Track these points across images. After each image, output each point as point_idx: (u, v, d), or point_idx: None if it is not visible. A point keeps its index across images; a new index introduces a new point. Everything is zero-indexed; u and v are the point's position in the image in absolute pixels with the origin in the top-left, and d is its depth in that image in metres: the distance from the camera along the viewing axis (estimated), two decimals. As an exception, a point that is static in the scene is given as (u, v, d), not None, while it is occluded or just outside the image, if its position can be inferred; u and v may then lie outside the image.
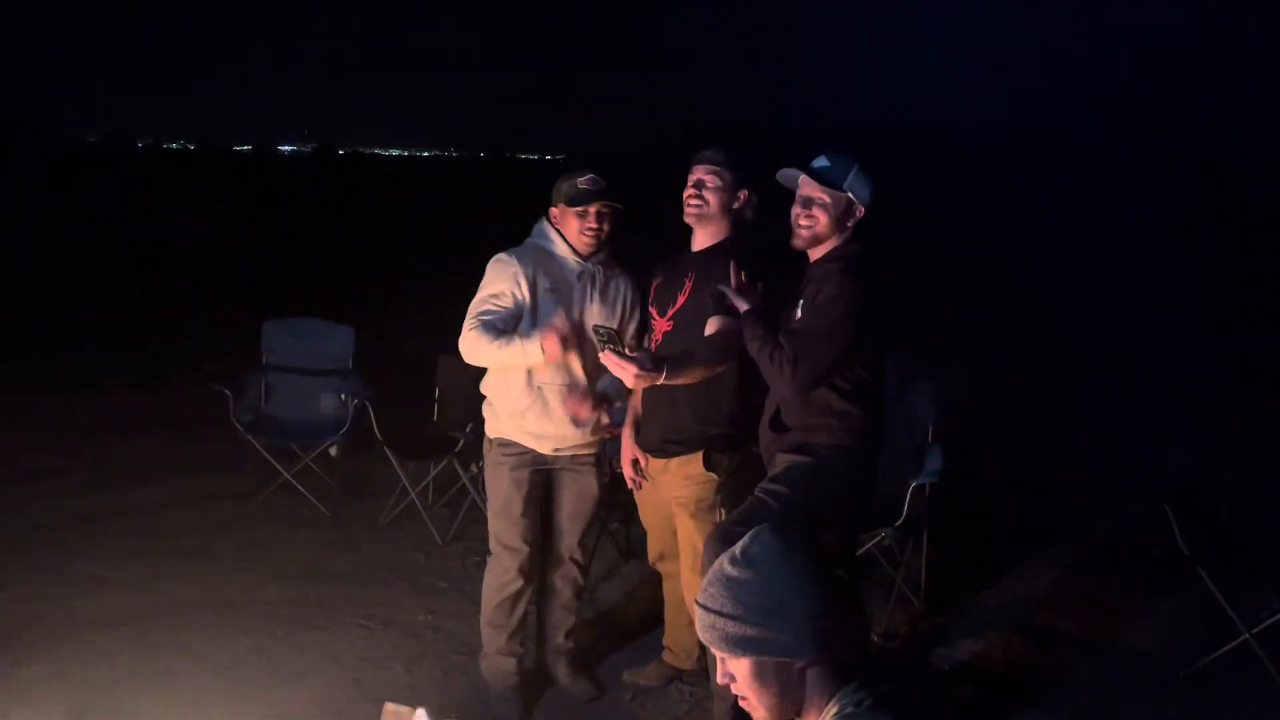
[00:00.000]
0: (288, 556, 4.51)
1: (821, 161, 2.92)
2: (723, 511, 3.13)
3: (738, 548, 1.65)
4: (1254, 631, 3.59)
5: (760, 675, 1.62)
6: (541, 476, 3.32)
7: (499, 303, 3.14)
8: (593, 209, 3.14)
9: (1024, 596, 4.36)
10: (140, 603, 3.95)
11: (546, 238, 3.22)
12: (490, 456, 3.34)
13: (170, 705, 3.23)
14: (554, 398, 3.18)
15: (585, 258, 3.19)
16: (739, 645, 1.61)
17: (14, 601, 3.89)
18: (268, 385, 5.32)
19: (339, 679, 3.50)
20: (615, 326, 3.16)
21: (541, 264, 3.18)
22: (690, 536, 3.19)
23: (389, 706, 3.15)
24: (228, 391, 4.97)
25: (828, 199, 2.87)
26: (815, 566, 1.65)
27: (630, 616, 4.02)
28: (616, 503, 4.39)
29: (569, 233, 3.18)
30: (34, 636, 3.63)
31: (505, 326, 3.11)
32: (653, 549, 3.49)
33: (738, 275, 2.91)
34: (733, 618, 1.61)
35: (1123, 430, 6.85)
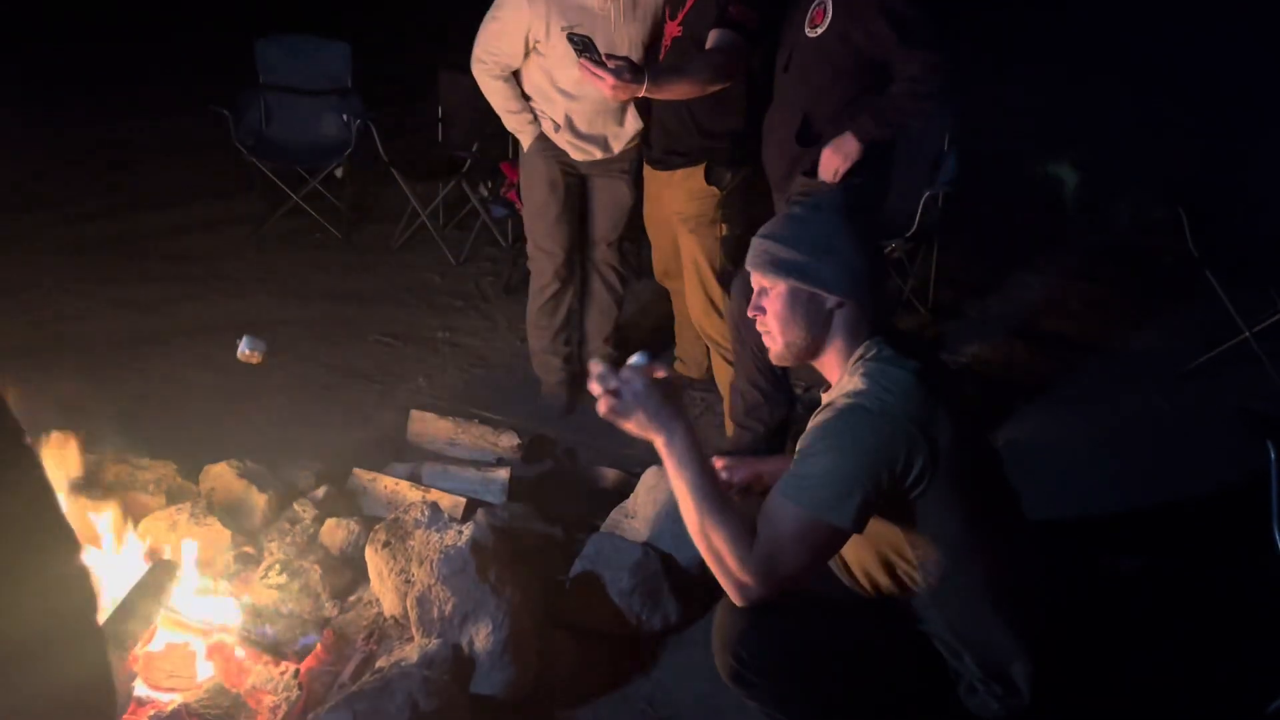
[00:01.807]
0: (304, 278, 4.57)
1: None
2: (723, 227, 3.13)
3: (810, 198, 1.80)
4: (1254, 330, 3.67)
5: (792, 304, 1.74)
6: (576, 182, 3.30)
7: (506, 57, 3.03)
8: None
9: (1030, 304, 4.43)
10: (162, 323, 4.04)
11: None
12: (525, 159, 3.32)
13: (204, 417, 3.37)
14: (583, 111, 3.14)
15: None
16: (783, 268, 1.73)
17: (38, 324, 3.98)
18: (267, 106, 5.17)
19: (364, 389, 3.65)
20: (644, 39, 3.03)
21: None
22: (691, 251, 3.21)
23: (415, 413, 3.33)
24: (226, 113, 4.86)
25: None
26: (868, 234, 1.79)
27: (642, 330, 4.12)
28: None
29: None
30: (63, 353, 3.74)
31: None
32: (658, 265, 3.52)
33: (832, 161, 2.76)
34: (784, 243, 1.74)
35: (1144, 137, 6.68)
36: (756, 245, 1.78)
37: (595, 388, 1.69)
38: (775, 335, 1.78)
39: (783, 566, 1.63)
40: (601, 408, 1.69)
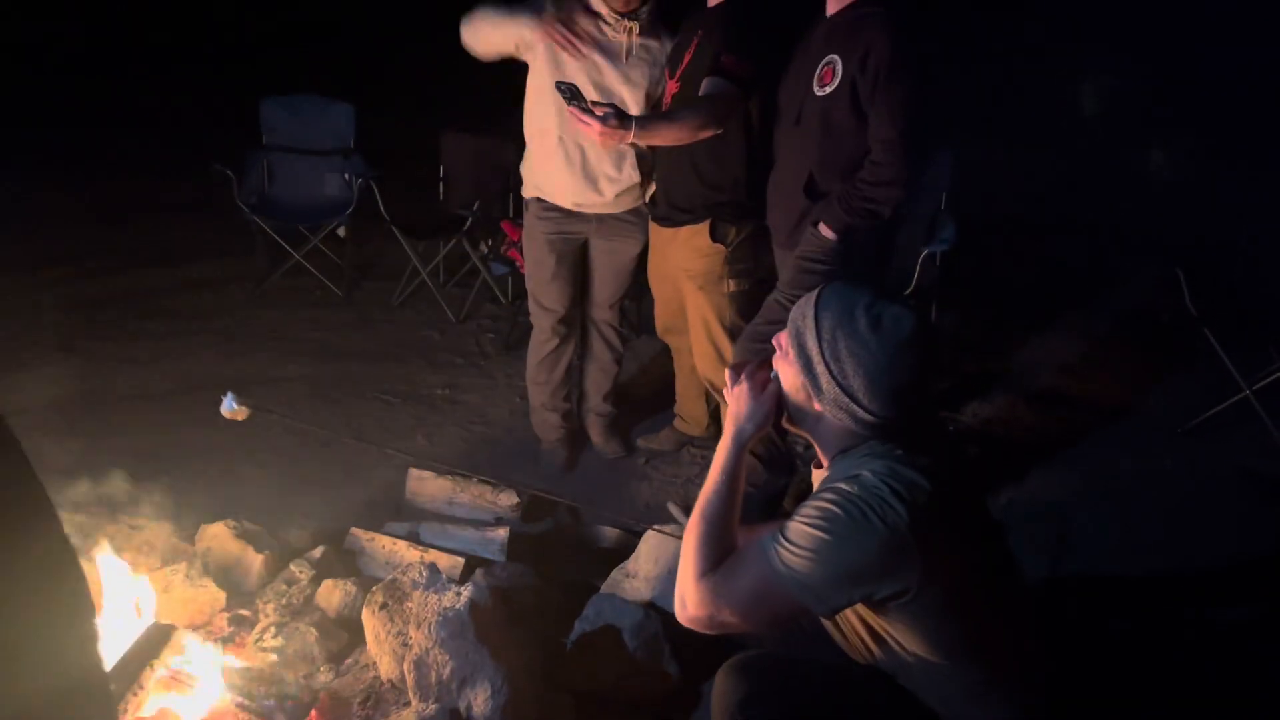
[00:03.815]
0: (303, 335, 4.57)
1: None
2: (730, 284, 3.13)
3: (885, 305, 1.64)
4: (1254, 388, 3.66)
5: (792, 376, 1.72)
6: (577, 241, 3.31)
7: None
8: None
9: (1030, 362, 4.43)
10: (162, 381, 4.04)
11: None
12: (527, 218, 3.33)
13: (200, 476, 3.36)
14: (579, 153, 3.12)
15: (622, 14, 2.99)
16: (800, 348, 1.69)
17: (42, 381, 3.97)
18: (270, 166, 5.23)
19: (361, 450, 3.62)
20: (648, 90, 3.08)
21: (581, 8, 3.02)
22: (699, 308, 3.21)
23: (413, 471, 3.31)
24: (230, 173, 4.90)
25: None
26: (913, 375, 1.63)
27: (643, 388, 4.12)
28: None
29: None
30: (69, 412, 3.74)
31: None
32: (660, 321, 3.52)
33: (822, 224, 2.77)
34: (818, 333, 1.66)
35: (1139, 195, 6.74)
36: (806, 302, 1.71)
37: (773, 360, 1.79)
38: (783, 383, 1.76)
39: (730, 609, 1.63)
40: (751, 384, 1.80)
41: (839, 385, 1.63)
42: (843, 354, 1.63)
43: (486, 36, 3.01)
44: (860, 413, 1.63)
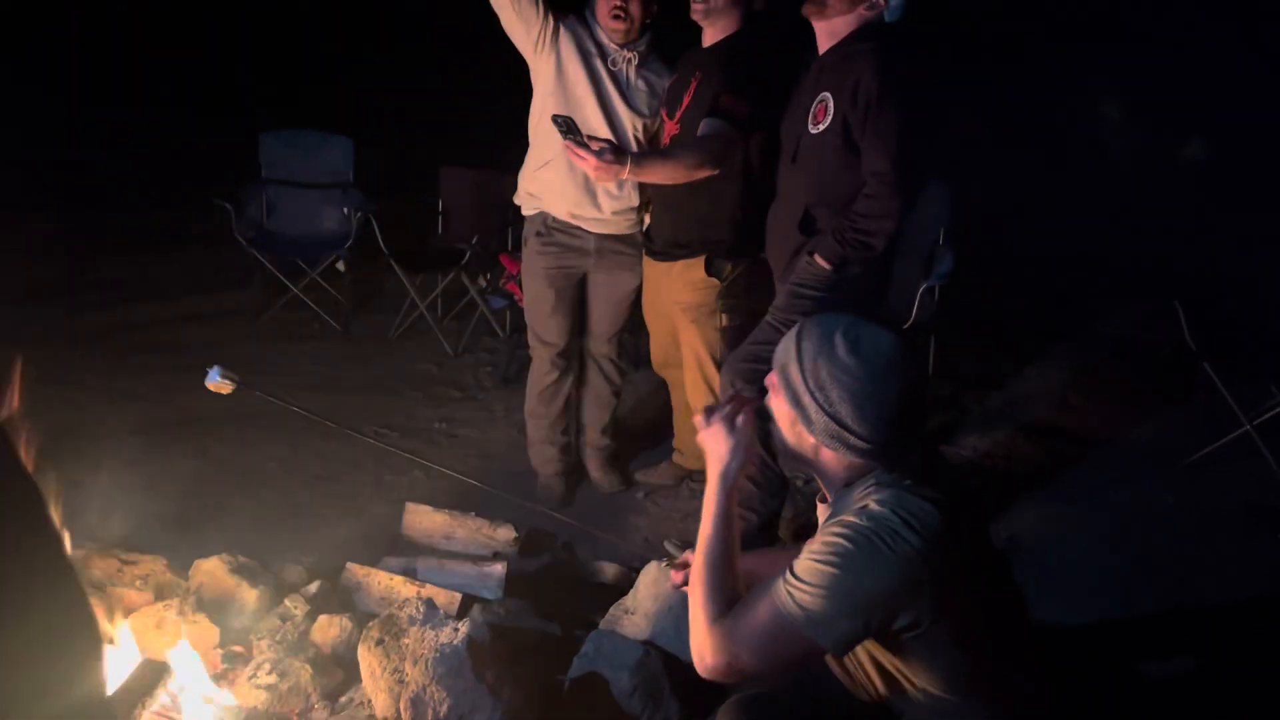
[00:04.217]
0: (301, 369, 4.56)
1: None
2: (724, 318, 3.14)
3: (862, 329, 1.64)
4: (1255, 423, 3.65)
5: (783, 412, 1.70)
6: (576, 275, 3.32)
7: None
8: None
9: (1029, 396, 4.43)
10: (159, 415, 4.01)
11: (592, 17, 3.09)
12: (526, 252, 3.33)
13: (196, 510, 3.33)
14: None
15: (622, 45, 3.06)
16: (787, 384, 1.67)
17: (35, 415, 3.95)
18: (268, 200, 5.24)
19: (360, 482, 3.61)
20: (647, 122, 3.09)
21: (583, 34, 3.07)
22: (692, 342, 3.22)
23: (410, 505, 3.28)
24: (229, 206, 4.91)
25: None
26: (900, 396, 1.62)
27: (641, 422, 4.10)
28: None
29: (600, 18, 3.04)
30: (59, 447, 3.70)
31: None
32: (657, 355, 3.52)
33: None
34: (801, 366, 1.65)
35: (1137, 229, 6.77)
36: (789, 338, 1.71)
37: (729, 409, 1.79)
38: (777, 423, 1.75)
39: (748, 652, 1.59)
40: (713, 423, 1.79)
41: (827, 414, 1.62)
42: (826, 381, 1.62)
43: None
44: (852, 439, 1.61)
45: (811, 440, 1.66)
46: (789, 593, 1.57)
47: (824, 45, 2.80)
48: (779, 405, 1.70)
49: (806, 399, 1.63)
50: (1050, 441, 4.02)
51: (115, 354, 4.55)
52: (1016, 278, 5.83)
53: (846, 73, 2.70)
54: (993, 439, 4.02)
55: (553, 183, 3.17)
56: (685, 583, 1.85)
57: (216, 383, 2.69)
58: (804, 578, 1.57)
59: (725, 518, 1.72)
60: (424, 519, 3.23)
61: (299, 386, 4.37)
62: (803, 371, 1.64)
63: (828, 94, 2.73)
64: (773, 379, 1.72)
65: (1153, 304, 4.73)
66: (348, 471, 3.68)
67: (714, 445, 1.76)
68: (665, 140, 3.09)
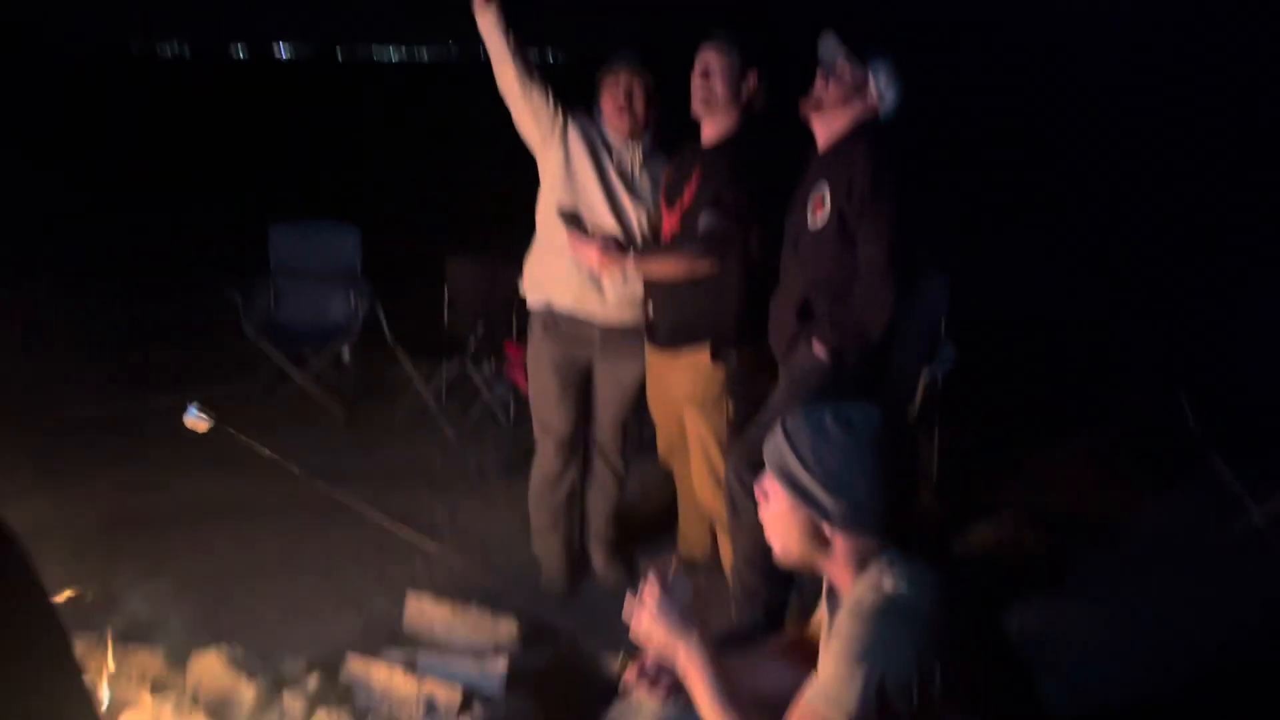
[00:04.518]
0: (304, 458, 4.51)
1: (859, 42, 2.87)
2: (730, 406, 3.14)
3: (847, 407, 1.66)
4: (1263, 508, 3.62)
5: (792, 514, 1.67)
6: (581, 364, 3.33)
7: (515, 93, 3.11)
8: (621, 78, 3.08)
9: (1035, 484, 4.40)
10: (159, 505, 4.01)
11: (599, 112, 3.19)
12: (531, 341, 3.36)
13: (195, 603, 3.29)
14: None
15: (627, 137, 3.15)
16: (792, 484, 1.65)
17: (35, 506, 3.94)
18: (276, 290, 5.30)
19: (361, 573, 3.58)
20: (651, 214, 3.16)
21: (590, 129, 3.16)
22: (698, 432, 3.21)
23: (411, 598, 3.24)
24: (237, 297, 4.97)
25: (846, 70, 2.82)
26: (897, 460, 1.65)
27: (645, 511, 4.07)
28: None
29: (607, 113, 3.14)
30: (58, 539, 3.68)
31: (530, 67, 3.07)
32: (662, 444, 3.52)
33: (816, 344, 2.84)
34: (800, 459, 1.65)
35: (1136, 316, 6.81)
36: (775, 441, 1.71)
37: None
38: (772, 534, 1.74)
39: None
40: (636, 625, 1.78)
41: (844, 498, 1.62)
42: (833, 466, 1.62)
43: (503, 66, 3.07)
44: (871, 516, 1.62)
45: (828, 531, 1.65)
46: (812, 689, 1.57)
47: (822, 142, 2.91)
48: (780, 509, 1.68)
49: (819, 491, 1.63)
50: (1056, 530, 3.97)
51: (117, 443, 4.56)
52: (1020, 364, 5.84)
53: (842, 168, 2.80)
54: (1000, 528, 3.98)
55: (558, 272, 3.22)
56: (641, 681, 1.90)
57: (194, 418, 2.70)
58: (825, 669, 1.56)
59: (713, 693, 1.69)
60: (426, 611, 3.19)
61: (302, 477, 4.36)
62: (806, 465, 1.64)
63: (825, 189, 2.83)
64: (770, 485, 1.71)
65: (1158, 388, 4.75)
66: (349, 562, 3.65)
67: (657, 639, 1.76)
68: (664, 231, 3.14)
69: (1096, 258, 8.61)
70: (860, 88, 2.83)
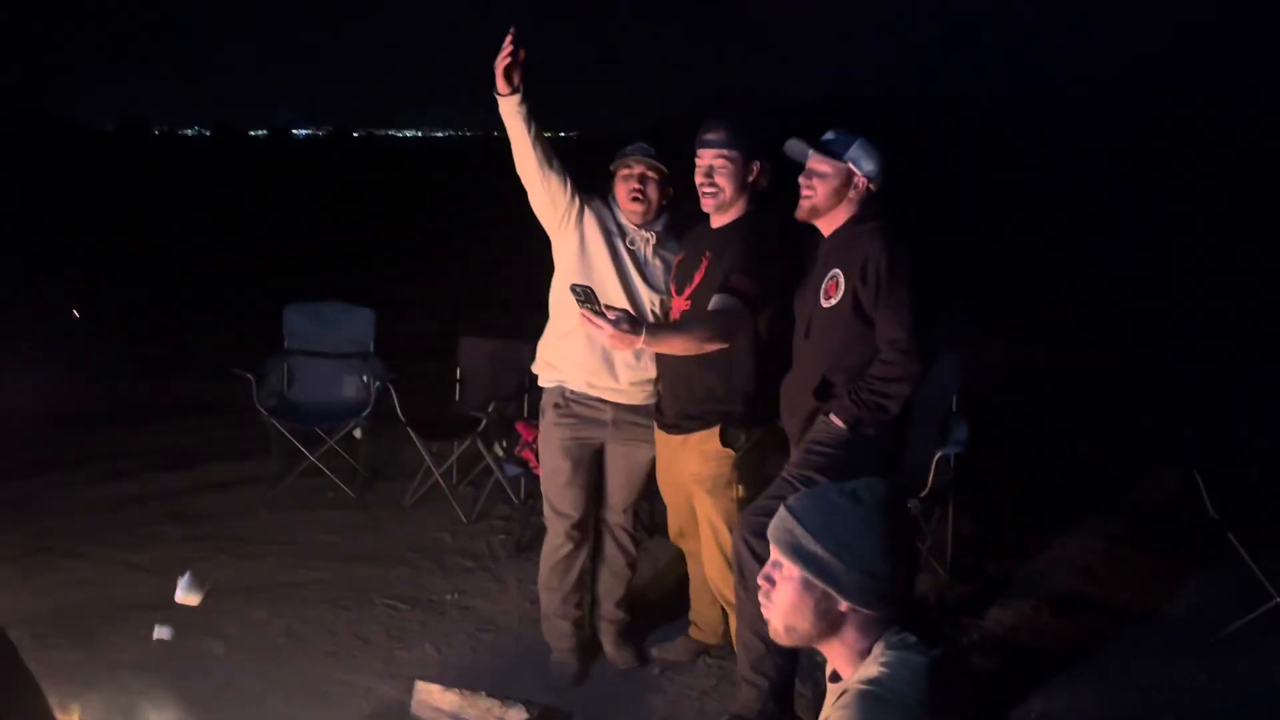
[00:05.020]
0: (315, 539, 4.54)
1: (827, 135, 2.96)
2: (739, 489, 3.14)
3: (850, 483, 1.66)
4: (1285, 596, 3.56)
5: (803, 593, 1.64)
6: (593, 446, 3.34)
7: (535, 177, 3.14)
8: (636, 170, 3.15)
9: (1051, 566, 4.34)
10: (169, 588, 3.97)
11: (613, 199, 3.24)
12: (543, 423, 3.36)
13: (204, 687, 3.26)
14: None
15: (640, 225, 3.21)
16: (802, 557, 1.63)
17: (46, 589, 3.94)
18: (290, 369, 5.34)
19: (369, 658, 3.53)
20: (664, 299, 3.19)
21: (605, 214, 3.22)
22: (708, 513, 3.20)
23: (420, 684, 3.20)
24: (250, 376, 5.01)
25: (827, 169, 2.91)
26: (907, 534, 1.68)
27: (656, 593, 4.03)
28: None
29: (620, 200, 3.20)
30: (68, 622, 3.68)
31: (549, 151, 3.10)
32: (673, 526, 3.50)
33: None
34: (810, 529, 1.63)
35: (1150, 397, 6.79)
36: (782, 517, 1.69)
37: None
38: (777, 615, 1.72)
39: None
40: None
41: (861, 569, 1.60)
42: (847, 538, 1.61)
43: (523, 151, 3.08)
44: (885, 588, 1.60)
45: (843, 607, 1.63)
46: None
47: (827, 231, 2.96)
48: (790, 588, 1.67)
49: (834, 564, 1.61)
50: (1075, 614, 3.92)
51: (129, 524, 4.56)
52: (1033, 441, 5.82)
53: (854, 250, 2.86)
54: (1016, 610, 3.93)
55: (571, 353, 3.24)
56: None
57: (184, 595, 2.69)
58: None
59: None
60: (434, 698, 3.14)
61: (312, 555, 4.35)
62: (818, 541, 1.63)
63: (838, 270, 2.89)
64: (780, 561, 1.69)
65: (1173, 470, 4.71)
66: (358, 647, 3.61)
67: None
68: (674, 315, 3.16)
69: (1112, 338, 8.63)
70: (846, 177, 2.90)
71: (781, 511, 1.70)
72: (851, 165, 2.90)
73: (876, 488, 1.65)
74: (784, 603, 1.68)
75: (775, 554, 1.72)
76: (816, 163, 2.92)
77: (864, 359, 2.86)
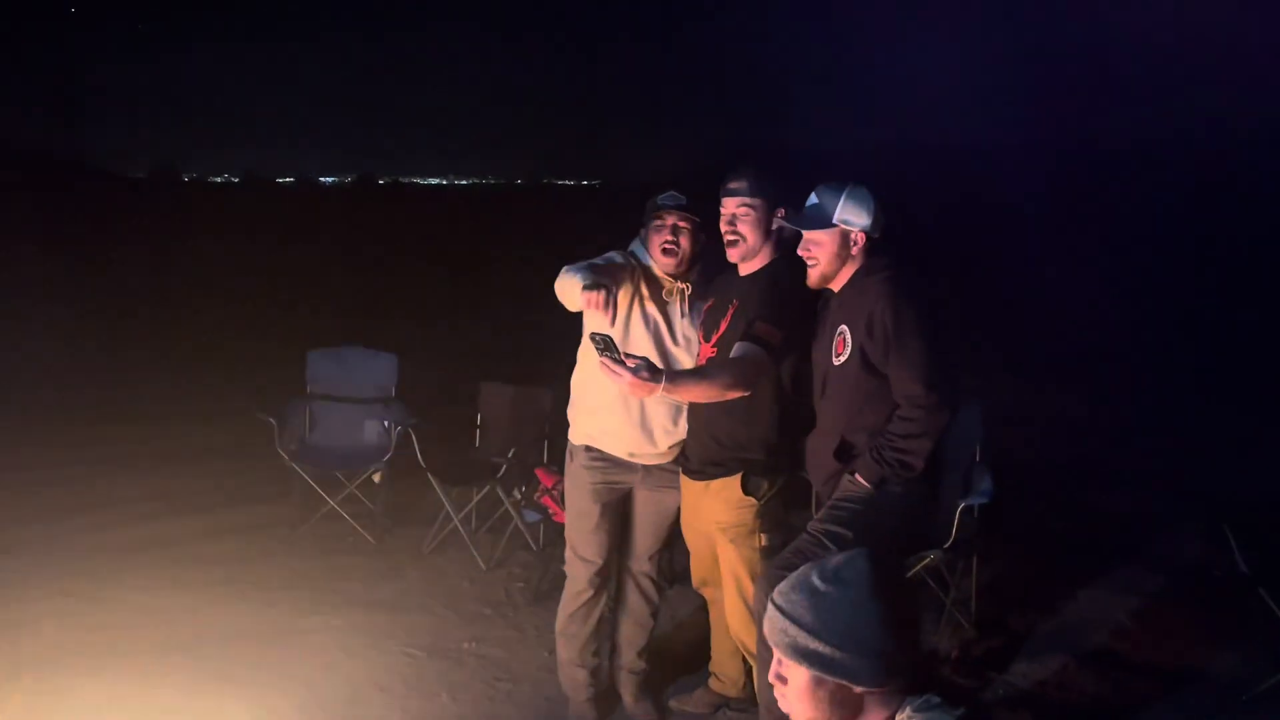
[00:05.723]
0: (333, 585, 4.52)
1: (811, 200, 2.94)
2: (762, 537, 3.11)
3: (830, 563, 1.62)
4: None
5: (816, 689, 1.60)
6: (622, 491, 3.31)
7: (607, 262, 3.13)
8: (668, 221, 3.11)
9: (1078, 619, 4.26)
10: (188, 632, 3.97)
11: (643, 251, 3.21)
12: (570, 466, 3.34)
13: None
14: (639, 404, 3.14)
15: (674, 278, 3.18)
16: (806, 657, 1.59)
17: (64, 630, 3.94)
18: (312, 414, 5.37)
19: (385, 708, 3.50)
20: (691, 353, 3.17)
21: (637, 269, 3.18)
22: (731, 562, 3.17)
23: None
24: (272, 421, 5.03)
25: (822, 238, 2.90)
26: (902, 599, 1.63)
27: (677, 643, 3.99)
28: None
29: (653, 251, 3.17)
30: (84, 664, 3.67)
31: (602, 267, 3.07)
32: (696, 574, 3.46)
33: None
34: (809, 631, 1.59)
35: (1178, 448, 6.70)
36: (776, 622, 1.63)
37: None
38: (797, 713, 1.67)
39: None
40: None
41: (867, 654, 1.56)
42: (845, 628, 1.57)
43: (564, 295, 3.09)
44: (897, 659, 1.57)
45: (859, 691, 1.59)
46: None
47: (837, 287, 2.96)
48: (801, 688, 1.61)
49: (839, 656, 1.57)
50: (1103, 669, 3.83)
51: (149, 568, 4.55)
52: (1057, 491, 5.75)
53: (859, 305, 2.86)
54: (1045, 666, 3.85)
55: (610, 426, 3.22)
56: None
57: None
58: None
59: None
60: (450, 749, 3.11)
61: (330, 601, 4.33)
62: (817, 637, 1.58)
63: (845, 327, 2.89)
64: (785, 666, 1.63)
65: (1202, 523, 4.63)
66: (374, 695, 3.58)
67: None
68: (700, 362, 3.15)
69: (1137, 388, 8.54)
70: (842, 239, 2.89)
71: (772, 612, 1.65)
72: (843, 226, 2.88)
73: (858, 562, 1.61)
74: (799, 702, 1.63)
75: (778, 656, 1.67)
76: (809, 234, 2.92)
77: (881, 416, 2.84)
